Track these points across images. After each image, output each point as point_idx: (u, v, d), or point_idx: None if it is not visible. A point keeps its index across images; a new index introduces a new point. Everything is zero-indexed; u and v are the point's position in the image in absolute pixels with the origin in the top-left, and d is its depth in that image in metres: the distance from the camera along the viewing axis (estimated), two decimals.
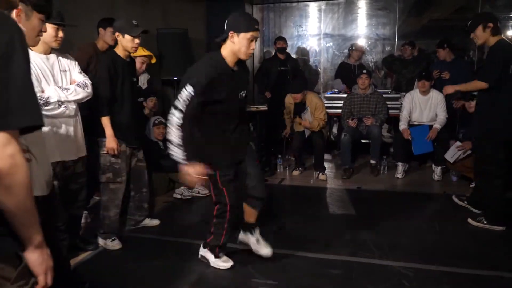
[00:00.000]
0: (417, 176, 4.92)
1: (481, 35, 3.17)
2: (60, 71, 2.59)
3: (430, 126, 4.74)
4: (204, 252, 2.83)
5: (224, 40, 2.44)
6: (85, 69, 3.34)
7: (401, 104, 5.09)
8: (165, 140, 4.35)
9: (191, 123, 2.37)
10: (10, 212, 0.97)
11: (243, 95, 2.57)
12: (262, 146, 5.58)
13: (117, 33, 2.94)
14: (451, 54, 5.11)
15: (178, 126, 2.31)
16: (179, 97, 2.32)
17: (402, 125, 4.85)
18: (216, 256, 2.76)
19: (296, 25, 7.29)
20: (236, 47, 2.41)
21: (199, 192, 4.27)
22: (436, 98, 4.76)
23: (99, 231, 3.13)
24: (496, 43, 3.16)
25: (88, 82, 2.70)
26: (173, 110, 2.34)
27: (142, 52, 3.74)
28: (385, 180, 4.79)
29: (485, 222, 3.30)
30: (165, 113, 5.08)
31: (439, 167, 4.70)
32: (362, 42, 7.02)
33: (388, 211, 3.80)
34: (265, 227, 3.39)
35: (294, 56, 6.73)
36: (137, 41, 2.94)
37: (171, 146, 2.34)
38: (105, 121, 2.90)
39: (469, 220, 3.39)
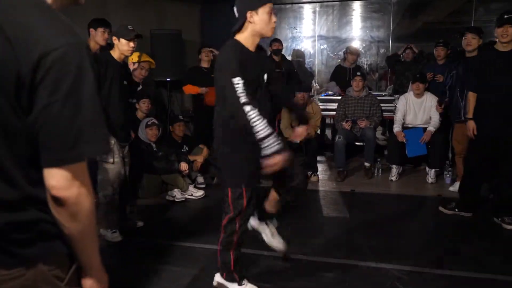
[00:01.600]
0: (411, 178, 4.92)
1: None
2: None
3: (424, 129, 4.75)
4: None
5: (240, 28, 2.23)
6: None
7: (396, 106, 5.10)
8: (158, 142, 4.39)
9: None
10: (73, 238, 0.97)
11: (265, 77, 2.37)
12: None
13: (114, 37, 3.11)
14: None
15: (258, 117, 2.01)
16: (237, 94, 2.04)
17: (396, 128, 4.85)
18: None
19: (291, 27, 7.30)
20: (258, 26, 2.20)
21: (192, 195, 4.24)
22: (430, 101, 4.76)
23: (98, 214, 3.14)
24: None
25: None
26: (242, 109, 2.03)
27: (143, 58, 3.83)
28: (379, 183, 4.79)
29: (456, 210, 3.64)
30: (158, 115, 5.09)
31: (433, 170, 4.70)
32: (356, 44, 7.04)
33: (382, 213, 3.79)
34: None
35: (289, 58, 6.73)
36: (132, 44, 3.09)
37: (265, 141, 2.01)
38: None
39: (440, 208, 3.73)
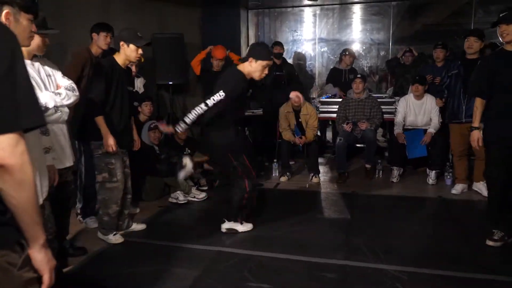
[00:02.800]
0: (411, 180, 4.94)
1: None
2: (46, 75, 2.58)
3: (425, 131, 4.78)
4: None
5: (244, 61, 3.18)
6: (80, 74, 3.36)
7: (396, 108, 5.13)
8: (161, 144, 4.42)
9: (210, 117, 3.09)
10: (20, 208, 1.05)
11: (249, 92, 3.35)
12: (257, 151, 5.60)
13: (121, 42, 3.07)
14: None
15: (197, 114, 2.99)
16: (211, 98, 2.99)
17: (397, 130, 4.88)
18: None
19: (291, 30, 7.34)
20: (252, 70, 3.13)
21: (194, 197, 4.28)
22: (430, 103, 4.79)
23: (100, 228, 3.23)
24: None
25: (74, 85, 2.67)
26: (200, 105, 2.99)
27: None
28: (380, 184, 4.81)
29: (506, 238, 3.05)
30: (160, 118, 5.13)
31: (434, 171, 4.73)
32: (356, 47, 7.08)
33: (383, 215, 3.82)
34: (261, 231, 3.41)
35: (289, 61, 6.77)
36: (140, 51, 3.11)
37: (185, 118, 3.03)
38: (100, 120, 2.98)
39: (488, 242, 3.07)
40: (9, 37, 1.08)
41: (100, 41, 3.72)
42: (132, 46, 3.05)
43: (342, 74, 6.04)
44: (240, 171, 3.23)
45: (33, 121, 1.07)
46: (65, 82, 2.65)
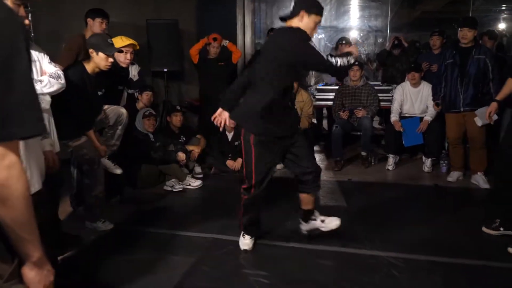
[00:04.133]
0: (407, 168, 4.95)
1: None
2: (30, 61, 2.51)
3: (421, 118, 4.76)
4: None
5: (291, 17, 2.55)
6: (74, 61, 3.29)
7: (392, 96, 5.11)
8: (156, 132, 4.38)
9: None
10: (7, 226, 0.92)
11: None
12: None
13: (91, 50, 2.97)
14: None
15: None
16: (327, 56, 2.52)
17: (393, 117, 4.87)
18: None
19: None
20: (302, 26, 2.51)
21: (190, 184, 4.25)
22: (426, 90, 4.77)
23: (87, 217, 3.21)
24: None
25: (61, 72, 2.58)
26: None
27: (122, 42, 3.50)
28: (376, 172, 4.81)
29: (501, 229, 3.01)
30: (155, 106, 5.08)
31: (430, 159, 4.73)
32: (354, 34, 7.02)
33: (379, 202, 3.82)
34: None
35: None
36: (110, 60, 3.02)
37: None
38: (91, 135, 3.10)
39: (484, 229, 3.07)
40: (10, 24, 0.89)
41: (95, 28, 3.64)
42: (101, 54, 2.95)
43: None
44: None
45: (26, 131, 0.90)
46: (51, 69, 2.53)
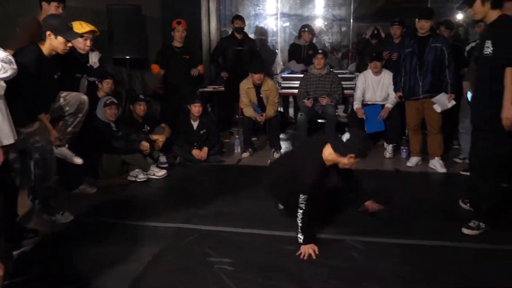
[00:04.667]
0: (370, 154, 5.06)
1: (479, 10, 2.78)
2: None
3: (383, 106, 4.89)
4: None
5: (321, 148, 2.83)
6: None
7: (356, 84, 5.20)
8: (118, 121, 4.28)
9: None
10: None
11: None
12: (219, 127, 5.55)
13: (48, 32, 2.85)
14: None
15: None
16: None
17: (356, 105, 4.97)
18: None
19: (253, 4, 7.20)
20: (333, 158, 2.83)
21: (154, 174, 4.20)
22: (388, 78, 4.88)
23: (43, 210, 3.11)
24: (500, 18, 2.74)
25: (11, 57, 2.50)
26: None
27: (81, 28, 3.35)
28: None
29: (483, 226, 2.91)
30: (118, 94, 4.95)
31: (391, 145, 4.88)
32: (319, 22, 7.06)
33: None
34: (222, 207, 3.41)
35: (251, 35, 6.67)
36: (69, 44, 2.92)
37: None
38: (43, 118, 2.95)
39: (464, 230, 2.92)
40: None
41: (51, 11, 3.48)
42: (60, 38, 2.84)
43: (301, 50, 6.05)
44: None
45: None
46: (1, 54, 2.45)
